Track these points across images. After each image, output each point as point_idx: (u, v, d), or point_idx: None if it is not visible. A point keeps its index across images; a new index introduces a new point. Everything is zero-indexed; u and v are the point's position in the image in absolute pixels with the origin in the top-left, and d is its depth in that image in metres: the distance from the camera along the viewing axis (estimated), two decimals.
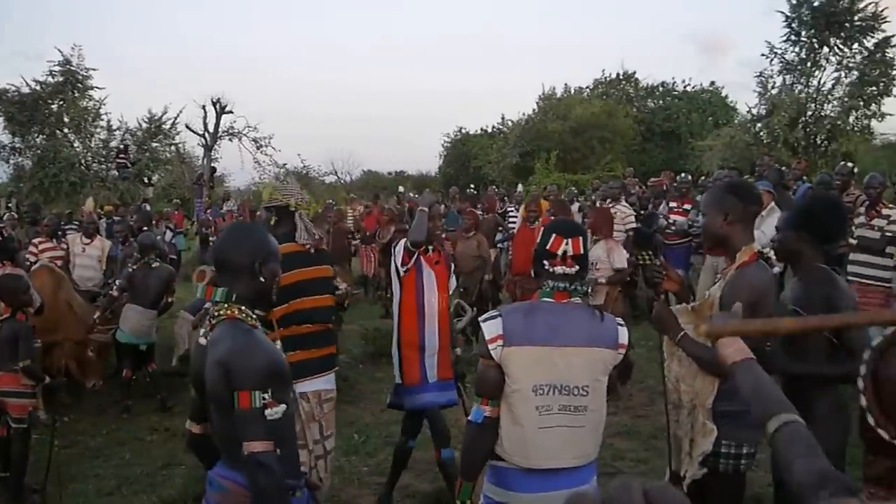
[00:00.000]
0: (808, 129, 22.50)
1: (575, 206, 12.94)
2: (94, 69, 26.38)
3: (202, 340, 2.62)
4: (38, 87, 25.52)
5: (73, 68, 25.92)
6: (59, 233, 9.72)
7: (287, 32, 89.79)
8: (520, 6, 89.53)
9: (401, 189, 21.76)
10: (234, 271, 2.64)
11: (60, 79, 25.74)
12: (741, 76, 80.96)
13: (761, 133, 23.38)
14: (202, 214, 17.79)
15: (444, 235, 12.14)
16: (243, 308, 2.61)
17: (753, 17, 63.80)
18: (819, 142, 22.70)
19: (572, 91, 34.17)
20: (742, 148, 23.02)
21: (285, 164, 31.56)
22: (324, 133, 73.16)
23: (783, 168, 11.67)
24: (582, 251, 2.96)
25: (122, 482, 5.84)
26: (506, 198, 16.75)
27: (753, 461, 3.35)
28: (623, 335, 2.98)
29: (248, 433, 2.40)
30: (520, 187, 17.42)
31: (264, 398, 2.44)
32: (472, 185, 20.13)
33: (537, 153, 28.66)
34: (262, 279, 2.65)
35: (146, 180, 26.74)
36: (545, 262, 2.95)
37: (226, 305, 2.60)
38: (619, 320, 3.05)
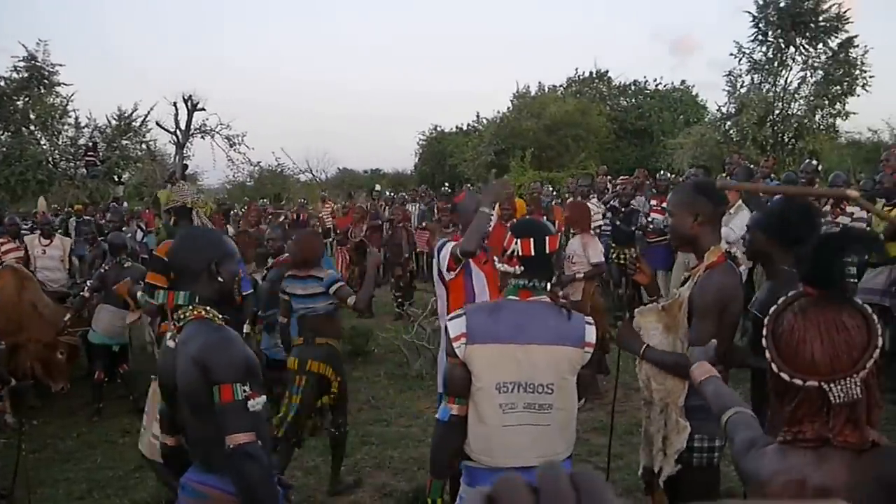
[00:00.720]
0: (775, 128, 22.84)
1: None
2: (60, 65, 26.14)
3: (170, 343, 2.62)
4: (1, 83, 25.21)
5: (38, 64, 25.63)
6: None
7: (259, 30, 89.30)
8: (493, 5, 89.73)
9: (377, 187, 21.67)
10: (193, 275, 2.67)
11: (25, 74, 25.44)
12: (711, 75, 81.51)
13: (731, 131, 23.69)
14: None
15: (424, 227, 12.30)
16: (209, 308, 2.63)
17: (722, 18, 64.37)
18: (786, 140, 23.04)
19: (546, 89, 34.20)
20: (712, 146, 23.26)
21: (259, 162, 31.44)
22: (299, 131, 72.74)
23: (752, 166, 11.80)
24: (532, 252, 2.93)
25: (93, 486, 5.79)
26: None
27: (722, 453, 3.40)
28: (590, 334, 2.94)
29: (233, 426, 2.41)
30: None
31: (245, 390, 2.45)
32: (447, 184, 20.15)
33: (512, 151, 28.70)
34: (220, 279, 2.67)
35: (116, 178, 26.50)
36: (495, 258, 3.02)
37: (191, 307, 2.61)
38: (588, 319, 3.03)
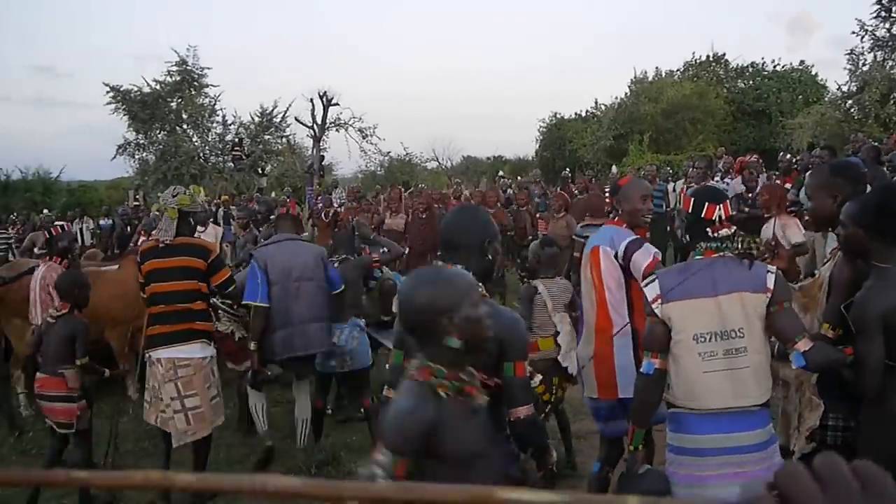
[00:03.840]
0: None
1: (671, 186, 12.72)
2: (208, 68, 27.29)
3: None
4: (157, 87, 26.52)
5: (189, 68, 26.86)
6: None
7: (386, 24, 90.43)
8: None
9: (501, 172, 21.62)
10: (468, 250, 2.80)
11: (178, 78, 26.72)
12: (830, 54, 77.47)
13: (852, 109, 22.55)
14: (313, 202, 18.15)
15: (537, 215, 12.23)
16: (482, 285, 2.74)
17: None
18: None
19: (663, 74, 33.39)
20: (832, 125, 22.21)
21: (389, 152, 31.94)
22: (425, 121, 73.30)
23: (877, 143, 11.23)
24: (731, 212, 3.13)
25: (249, 451, 6.02)
26: (594, 179, 16.59)
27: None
28: (770, 280, 2.99)
29: (520, 399, 2.60)
30: (614, 169, 17.17)
31: (529, 369, 2.65)
32: (567, 169, 19.90)
33: (630, 135, 28.22)
34: (488, 257, 2.83)
35: (260, 171, 27.48)
36: (707, 228, 3.10)
37: None
38: (770, 267, 3.07)
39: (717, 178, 11.14)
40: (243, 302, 5.53)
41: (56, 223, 6.58)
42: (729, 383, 2.96)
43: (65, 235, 6.84)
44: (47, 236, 7.13)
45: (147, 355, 5.06)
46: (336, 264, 6.00)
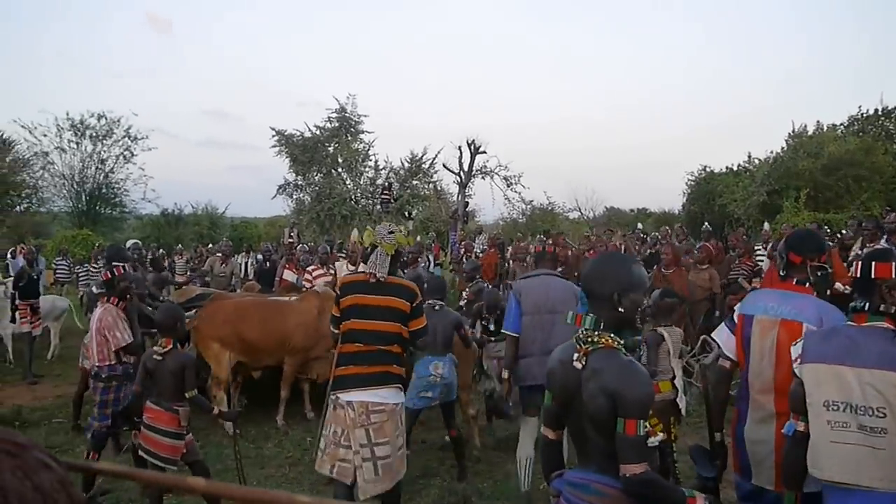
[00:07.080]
0: None
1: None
2: (365, 115, 28.54)
3: (577, 365, 2.66)
4: (317, 132, 27.96)
5: (347, 115, 28.18)
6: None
7: (535, 75, 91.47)
8: (767, 43, 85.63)
9: (640, 226, 21.28)
10: (599, 300, 2.71)
11: (336, 124, 28.09)
12: None
13: None
14: (456, 247, 18.43)
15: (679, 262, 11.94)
16: (614, 336, 2.65)
17: None
18: None
19: (825, 128, 32.00)
20: None
21: (531, 201, 32.10)
22: (568, 170, 73.32)
23: None
24: (858, 274, 3.01)
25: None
26: (745, 236, 16.04)
27: None
28: None
29: (629, 457, 2.50)
30: (766, 226, 16.53)
31: (646, 426, 2.53)
32: (706, 223, 19.34)
33: (786, 191, 27.08)
34: (621, 309, 2.68)
35: (406, 214, 28.25)
36: (871, 291, 2.96)
37: (597, 333, 2.66)
38: None
39: (883, 240, 10.46)
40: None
41: (115, 264, 6.51)
42: (865, 460, 2.78)
43: (126, 276, 6.81)
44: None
45: (335, 397, 4.68)
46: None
